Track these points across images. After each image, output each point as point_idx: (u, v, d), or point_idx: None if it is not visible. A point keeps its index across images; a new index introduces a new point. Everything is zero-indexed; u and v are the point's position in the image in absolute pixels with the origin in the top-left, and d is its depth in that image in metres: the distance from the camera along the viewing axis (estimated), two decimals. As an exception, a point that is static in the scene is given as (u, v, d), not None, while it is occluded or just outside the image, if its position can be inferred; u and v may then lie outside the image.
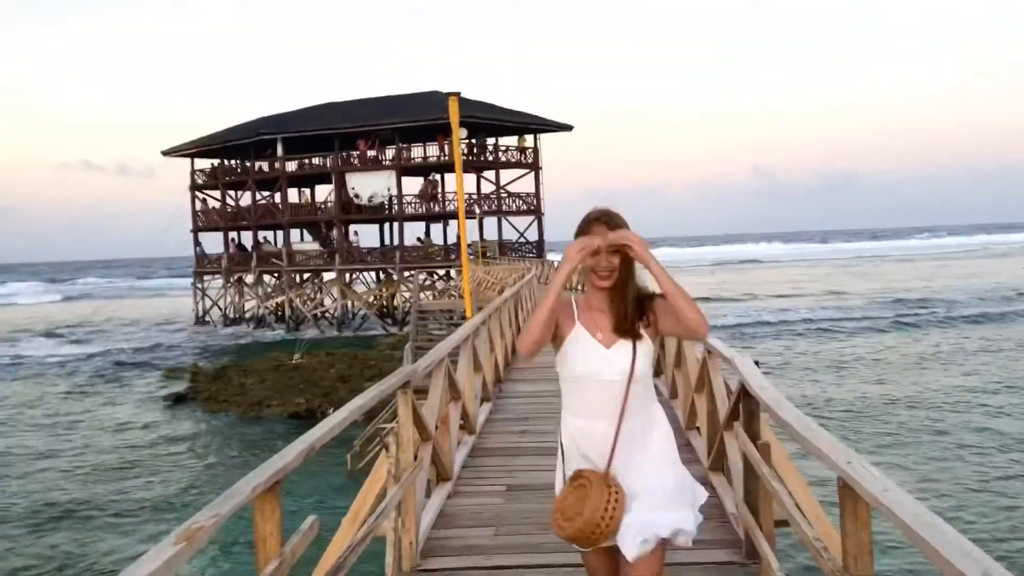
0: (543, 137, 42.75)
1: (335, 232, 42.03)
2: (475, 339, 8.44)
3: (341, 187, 41.16)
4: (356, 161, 40.83)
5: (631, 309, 2.65)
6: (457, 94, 11.09)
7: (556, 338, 2.70)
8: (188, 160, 47.09)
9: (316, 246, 43.39)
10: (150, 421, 21.73)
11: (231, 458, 17.56)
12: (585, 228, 2.66)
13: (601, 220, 2.64)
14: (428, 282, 41.52)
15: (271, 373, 28.35)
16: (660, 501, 2.60)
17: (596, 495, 2.55)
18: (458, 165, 11.44)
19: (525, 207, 41.29)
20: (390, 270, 41.13)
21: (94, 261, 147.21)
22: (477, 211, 37.45)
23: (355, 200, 40.98)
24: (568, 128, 43.35)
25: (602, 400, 2.63)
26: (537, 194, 41.63)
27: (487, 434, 7.82)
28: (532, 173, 41.72)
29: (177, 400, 24.64)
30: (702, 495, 2.75)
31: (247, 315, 45.30)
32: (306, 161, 42.99)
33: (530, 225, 41.58)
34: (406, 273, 38.78)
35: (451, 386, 6.22)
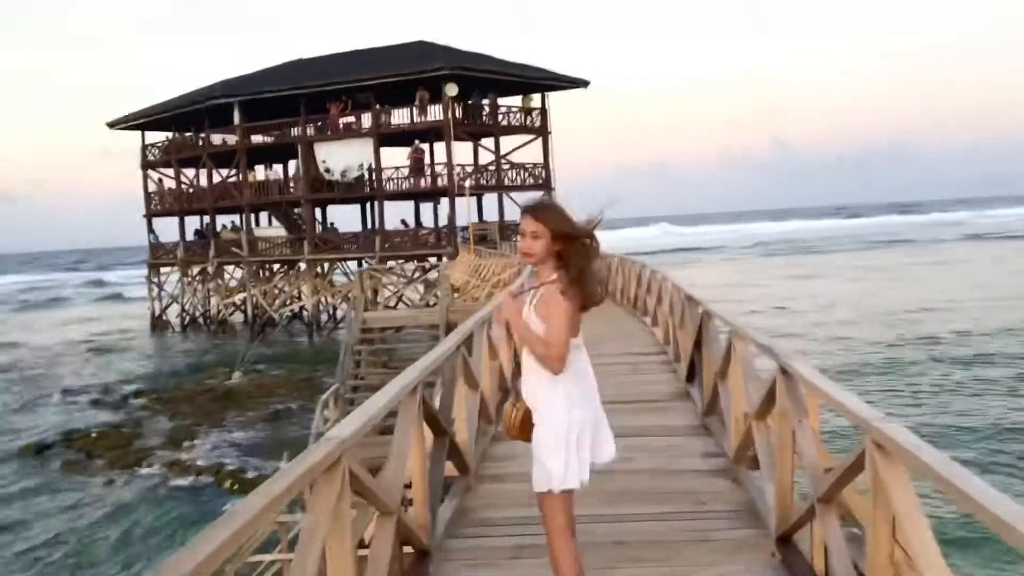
0: (553, 96, 35.33)
1: (304, 215, 35.08)
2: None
3: (310, 160, 34.07)
4: (324, 129, 33.71)
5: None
6: None
7: None
8: (139, 133, 40.27)
9: (282, 231, 36.39)
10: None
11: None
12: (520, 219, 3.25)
13: (526, 212, 3.16)
14: (418, 275, 34.45)
15: (190, 403, 21.55)
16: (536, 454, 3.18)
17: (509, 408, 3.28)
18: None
19: (532, 180, 33.86)
20: (369, 259, 33.95)
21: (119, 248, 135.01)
22: (467, 185, 30.12)
23: (326, 176, 33.89)
24: (584, 84, 35.84)
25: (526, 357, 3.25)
26: (546, 164, 34.23)
27: None
28: (540, 139, 34.33)
29: (39, 451, 17.75)
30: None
31: (209, 317, 38.46)
32: (273, 131, 36.02)
33: (538, 202, 34.16)
34: (384, 263, 31.71)
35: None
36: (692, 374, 7.83)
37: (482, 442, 6.00)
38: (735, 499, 4.85)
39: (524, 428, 3.18)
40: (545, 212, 3.11)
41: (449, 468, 5.04)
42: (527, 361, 3.18)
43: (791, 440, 3.94)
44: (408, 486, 4.06)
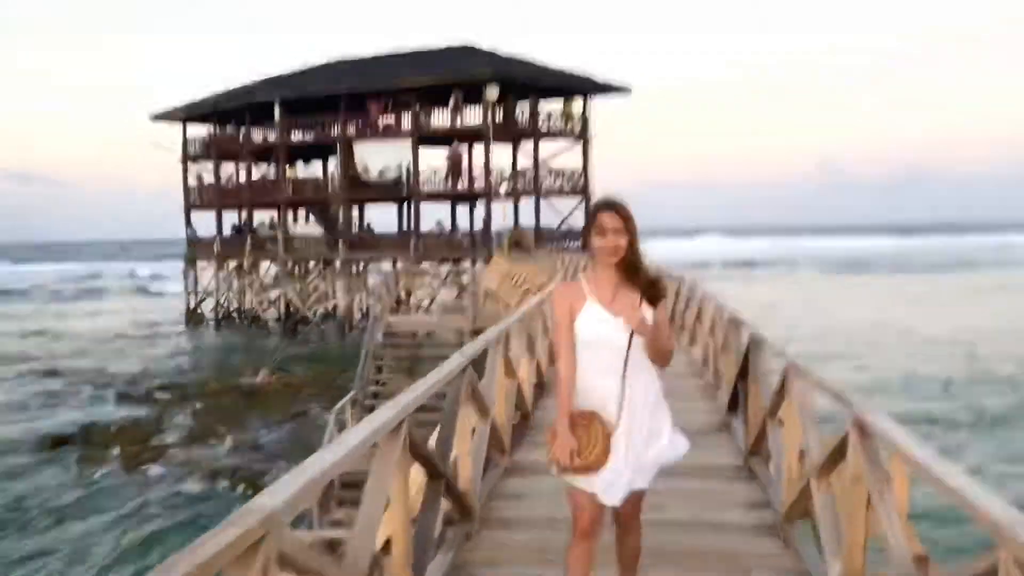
0: (594, 103, 34.49)
1: (341, 214, 34.72)
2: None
3: (348, 159, 33.73)
4: (363, 128, 33.34)
5: (639, 283, 3.12)
6: None
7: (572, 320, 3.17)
8: (180, 126, 40.34)
9: (319, 230, 36.08)
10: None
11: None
12: (595, 215, 3.12)
13: (609, 208, 3.08)
14: (451, 277, 33.98)
15: (214, 400, 21.18)
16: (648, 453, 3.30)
17: (602, 437, 3.09)
18: None
19: (570, 187, 33.11)
20: (404, 261, 33.45)
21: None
22: (503, 190, 29.44)
23: (364, 175, 33.49)
24: (626, 91, 34.98)
25: (609, 359, 3.12)
26: (585, 171, 33.44)
27: None
28: (580, 145, 33.55)
29: (56, 444, 17.44)
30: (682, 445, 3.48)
31: (243, 312, 38.26)
32: (313, 129, 35.74)
33: (576, 208, 33.30)
34: (419, 265, 31.29)
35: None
36: (734, 403, 7.01)
37: (491, 477, 5.28)
38: (785, 568, 4.08)
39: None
40: (626, 208, 3.10)
41: (445, 505, 4.33)
42: (639, 360, 3.16)
43: (864, 511, 3.17)
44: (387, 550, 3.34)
